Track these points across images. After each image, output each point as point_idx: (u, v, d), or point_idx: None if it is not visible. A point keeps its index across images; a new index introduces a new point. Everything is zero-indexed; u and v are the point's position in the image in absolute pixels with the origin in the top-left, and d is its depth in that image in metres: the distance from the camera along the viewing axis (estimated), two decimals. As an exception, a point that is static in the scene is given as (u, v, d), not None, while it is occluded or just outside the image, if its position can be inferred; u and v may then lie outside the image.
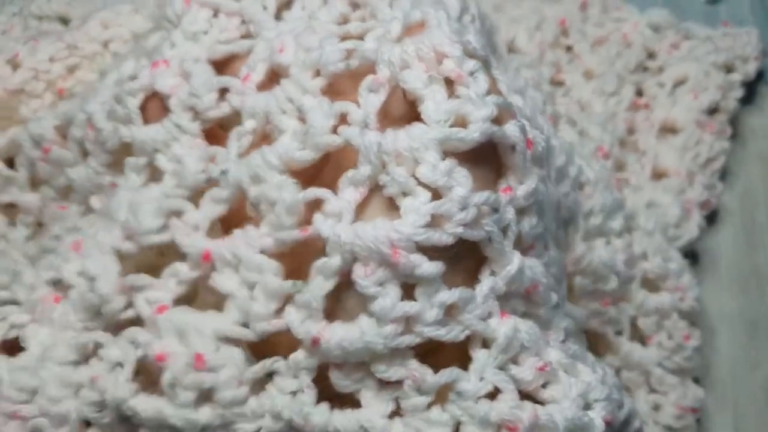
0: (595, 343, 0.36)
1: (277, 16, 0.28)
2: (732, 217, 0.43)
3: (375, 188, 0.21)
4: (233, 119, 0.25)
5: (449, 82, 0.20)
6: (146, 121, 0.25)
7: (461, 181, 0.19)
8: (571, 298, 0.33)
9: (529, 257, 0.21)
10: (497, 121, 0.20)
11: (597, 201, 0.34)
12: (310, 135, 0.21)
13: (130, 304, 0.23)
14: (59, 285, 0.24)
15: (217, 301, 0.22)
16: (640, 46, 0.45)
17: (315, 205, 0.21)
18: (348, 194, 0.20)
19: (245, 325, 0.21)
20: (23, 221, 0.32)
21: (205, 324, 0.21)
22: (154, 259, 0.24)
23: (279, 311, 0.21)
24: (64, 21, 0.46)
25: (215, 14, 0.27)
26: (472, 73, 0.20)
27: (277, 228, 0.21)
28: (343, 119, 0.22)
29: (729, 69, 0.43)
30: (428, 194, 0.19)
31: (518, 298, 0.21)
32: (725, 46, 0.44)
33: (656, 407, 0.36)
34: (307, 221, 0.21)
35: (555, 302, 0.22)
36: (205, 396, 0.21)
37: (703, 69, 0.43)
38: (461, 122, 0.20)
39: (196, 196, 0.24)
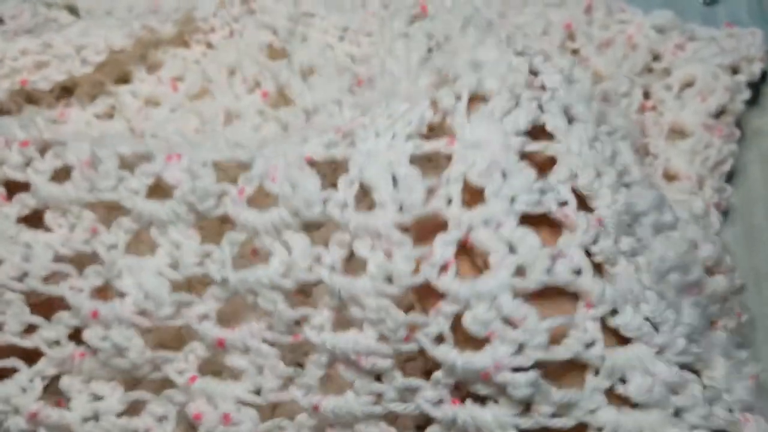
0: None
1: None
2: (732, 217, 0.44)
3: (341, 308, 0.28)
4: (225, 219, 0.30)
5: None
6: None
7: (391, 315, 0.27)
8: None
9: None
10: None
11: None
12: (294, 269, 0.28)
13: (156, 368, 0.30)
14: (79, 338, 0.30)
15: (234, 371, 0.29)
16: (645, 48, 0.46)
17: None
18: (325, 313, 0.28)
19: (257, 393, 0.29)
20: None
21: (227, 392, 0.29)
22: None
23: (284, 385, 0.29)
24: (71, 10, 0.48)
25: None
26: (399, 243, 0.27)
27: (276, 330, 0.29)
28: (317, 258, 0.28)
29: (735, 70, 0.44)
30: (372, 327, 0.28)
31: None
32: (730, 47, 0.44)
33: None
34: (297, 326, 0.29)
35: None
36: None
37: (710, 71, 0.43)
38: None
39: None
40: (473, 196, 0.27)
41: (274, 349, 0.29)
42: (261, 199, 0.29)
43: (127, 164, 0.30)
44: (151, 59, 0.45)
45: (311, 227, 0.29)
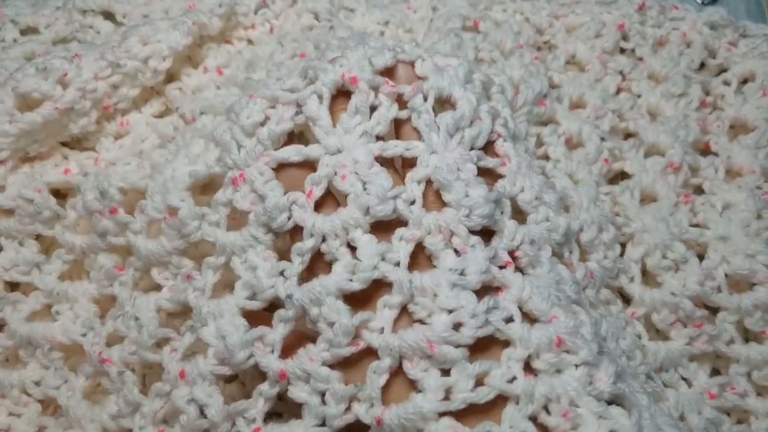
0: (715, 360, 0.37)
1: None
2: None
3: (403, 309, 0.27)
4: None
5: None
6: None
7: (469, 302, 0.26)
8: (659, 337, 0.37)
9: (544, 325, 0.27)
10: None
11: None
12: (360, 270, 0.28)
13: (233, 424, 0.29)
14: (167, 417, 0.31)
15: (295, 409, 0.28)
16: (700, 45, 0.45)
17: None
18: (386, 313, 0.27)
19: (323, 424, 0.27)
20: (60, 256, 0.36)
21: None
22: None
23: (347, 409, 0.27)
24: (108, 15, 0.47)
25: (272, 106, 0.31)
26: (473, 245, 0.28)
27: (335, 345, 0.27)
28: (382, 256, 0.28)
29: (793, 65, 0.44)
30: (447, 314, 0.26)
31: (548, 352, 0.26)
32: (786, 42, 0.44)
33: None
34: (356, 335, 0.27)
35: (596, 350, 0.26)
36: None
37: (770, 66, 0.43)
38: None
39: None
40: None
41: (335, 371, 0.27)
42: (327, 202, 0.30)
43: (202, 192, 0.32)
44: (196, 59, 0.45)
45: (376, 228, 0.29)
